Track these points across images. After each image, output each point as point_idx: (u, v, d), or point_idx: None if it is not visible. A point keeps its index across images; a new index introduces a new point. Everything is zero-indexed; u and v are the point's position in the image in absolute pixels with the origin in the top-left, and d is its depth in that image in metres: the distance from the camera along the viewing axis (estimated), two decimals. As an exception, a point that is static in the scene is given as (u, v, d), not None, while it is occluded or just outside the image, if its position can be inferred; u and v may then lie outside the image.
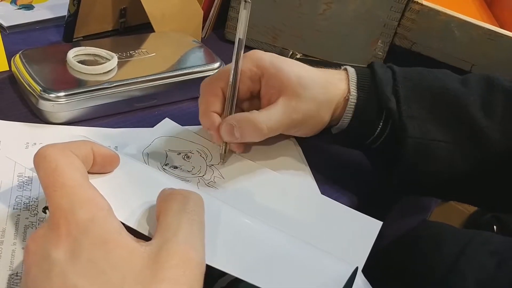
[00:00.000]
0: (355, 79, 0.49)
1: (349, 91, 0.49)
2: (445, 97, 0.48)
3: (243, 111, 0.50)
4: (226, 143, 0.49)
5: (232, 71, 0.46)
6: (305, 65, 0.49)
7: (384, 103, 0.48)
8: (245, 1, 0.43)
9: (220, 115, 0.48)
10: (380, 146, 0.50)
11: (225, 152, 0.49)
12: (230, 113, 0.48)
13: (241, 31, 0.45)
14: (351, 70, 0.50)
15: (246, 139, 0.47)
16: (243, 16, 0.44)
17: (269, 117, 0.46)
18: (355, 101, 0.48)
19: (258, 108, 0.49)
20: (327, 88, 0.48)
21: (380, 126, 0.49)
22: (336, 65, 0.53)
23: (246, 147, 0.51)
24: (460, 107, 0.47)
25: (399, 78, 0.49)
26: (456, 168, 0.47)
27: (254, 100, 0.51)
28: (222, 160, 0.49)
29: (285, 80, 0.47)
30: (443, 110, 0.48)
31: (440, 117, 0.48)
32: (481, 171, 0.47)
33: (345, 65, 0.52)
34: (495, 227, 1.21)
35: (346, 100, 0.49)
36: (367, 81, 0.49)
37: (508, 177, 0.47)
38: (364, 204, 0.50)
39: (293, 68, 0.48)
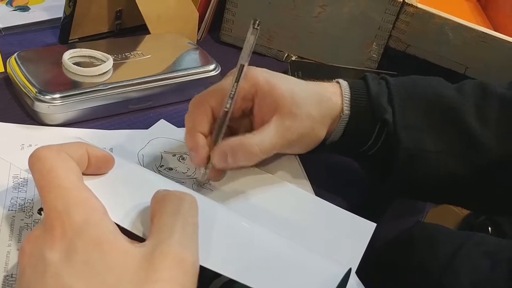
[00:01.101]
0: (349, 93, 0.48)
1: (342, 107, 0.47)
2: (440, 105, 0.48)
3: (232, 129, 0.48)
4: (207, 168, 0.45)
5: (229, 99, 0.43)
6: (298, 80, 0.48)
7: (381, 114, 0.47)
8: (254, 28, 0.40)
9: (206, 136, 0.45)
10: (373, 155, 0.50)
11: (205, 177, 0.45)
12: (218, 136, 0.44)
13: (244, 57, 0.42)
14: (344, 84, 0.49)
15: (239, 164, 0.45)
16: (250, 42, 0.41)
17: (262, 140, 0.44)
18: (348, 113, 0.48)
19: (249, 125, 0.48)
20: (321, 104, 0.47)
21: (372, 138, 0.48)
22: (331, 67, 0.52)
23: (223, 175, 0.47)
24: (454, 115, 0.47)
25: (393, 87, 0.48)
26: (450, 175, 0.47)
27: (245, 117, 0.49)
28: (201, 185, 0.47)
29: (279, 98, 0.45)
30: (438, 117, 0.47)
31: (435, 125, 0.47)
32: (476, 178, 0.47)
33: (340, 66, 0.52)
34: (489, 228, 1.22)
35: (341, 115, 0.48)
36: (361, 95, 0.48)
37: (503, 183, 0.47)
38: (358, 205, 0.50)
39: (286, 85, 0.46)
